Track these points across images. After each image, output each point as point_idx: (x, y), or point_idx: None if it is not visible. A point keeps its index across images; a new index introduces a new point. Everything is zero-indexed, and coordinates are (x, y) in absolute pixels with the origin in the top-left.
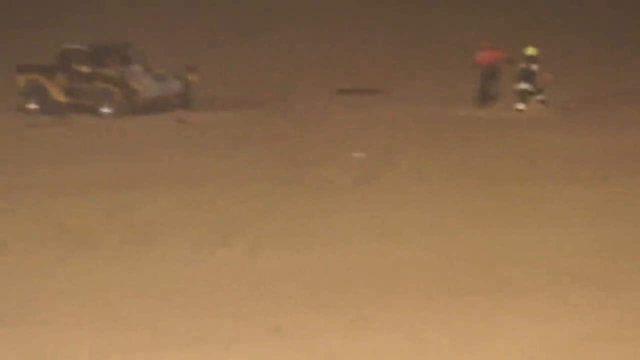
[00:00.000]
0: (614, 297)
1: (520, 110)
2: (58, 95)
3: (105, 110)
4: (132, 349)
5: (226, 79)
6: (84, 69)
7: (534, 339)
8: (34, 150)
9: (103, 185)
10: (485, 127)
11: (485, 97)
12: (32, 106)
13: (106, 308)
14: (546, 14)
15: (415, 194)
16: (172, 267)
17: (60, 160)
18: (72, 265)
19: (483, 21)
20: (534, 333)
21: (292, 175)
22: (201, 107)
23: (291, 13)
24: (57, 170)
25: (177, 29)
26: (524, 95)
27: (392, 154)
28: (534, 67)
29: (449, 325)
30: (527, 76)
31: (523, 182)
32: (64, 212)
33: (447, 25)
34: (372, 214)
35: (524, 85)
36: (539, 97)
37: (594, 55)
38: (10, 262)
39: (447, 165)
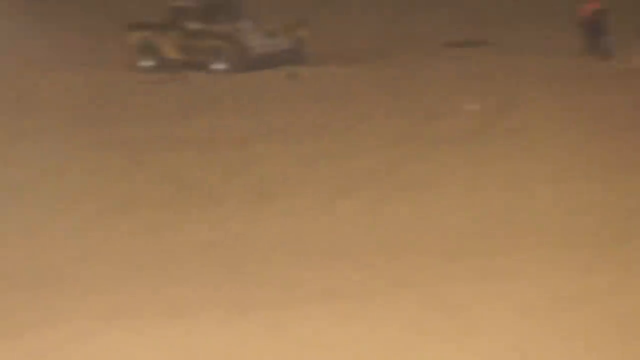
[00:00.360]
0: None
1: None
2: (170, 52)
3: (217, 66)
4: (266, 305)
5: (337, 33)
6: (195, 25)
7: None
8: (148, 106)
9: (220, 141)
10: (594, 78)
11: (592, 49)
12: (145, 63)
13: (235, 262)
14: None
15: (533, 143)
16: (293, 221)
17: (175, 116)
18: (196, 221)
19: None
20: None
21: (408, 130)
22: (312, 62)
23: None
24: (173, 127)
25: None
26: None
27: (505, 106)
28: None
29: (577, 277)
30: None
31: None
32: (183, 169)
33: None
34: (493, 166)
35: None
36: None
37: None
38: (140, 219)
39: (562, 117)
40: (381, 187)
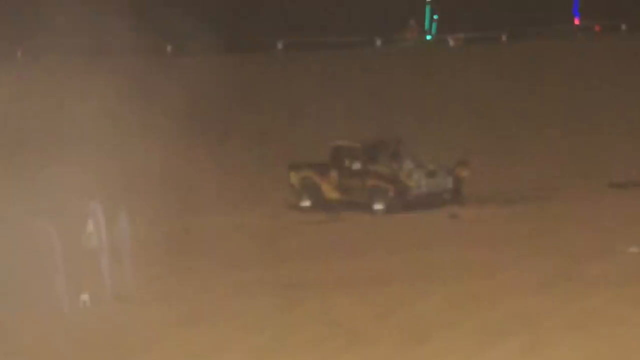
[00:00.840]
0: None
1: None
2: (330, 192)
3: (377, 207)
4: None
5: (498, 171)
6: (356, 165)
7: None
8: (304, 247)
9: (376, 280)
10: None
11: None
12: (305, 203)
13: None
14: None
15: None
16: None
17: (333, 256)
18: None
19: None
20: None
21: (567, 271)
22: (471, 202)
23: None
24: (330, 267)
25: (448, 123)
26: None
27: None
28: None
29: None
30: None
31: None
32: (337, 309)
33: None
34: None
35: None
36: None
37: None
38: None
39: None
40: (534, 331)
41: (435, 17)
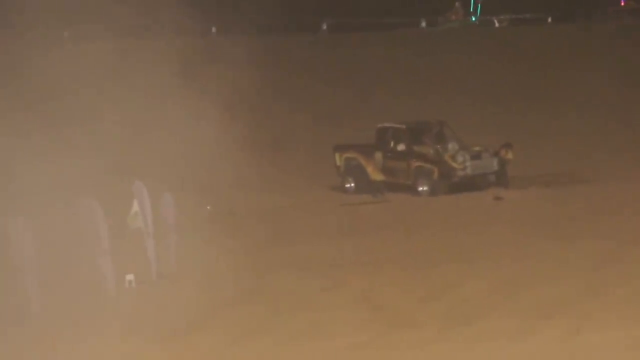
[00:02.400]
0: None
1: None
2: (375, 174)
3: (422, 188)
4: None
5: (540, 155)
6: (401, 147)
7: None
8: (347, 228)
9: (420, 263)
10: None
11: None
12: (350, 185)
13: None
14: None
15: None
16: (490, 346)
17: (377, 238)
18: (392, 346)
19: None
20: None
21: (614, 253)
22: (516, 184)
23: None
24: (375, 248)
25: (493, 105)
26: None
27: None
28: None
29: None
30: None
31: None
32: (381, 291)
33: None
34: None
35: None
36: None
37: None
38: (332, 342)
39: None
40: (580, 314)
41: None
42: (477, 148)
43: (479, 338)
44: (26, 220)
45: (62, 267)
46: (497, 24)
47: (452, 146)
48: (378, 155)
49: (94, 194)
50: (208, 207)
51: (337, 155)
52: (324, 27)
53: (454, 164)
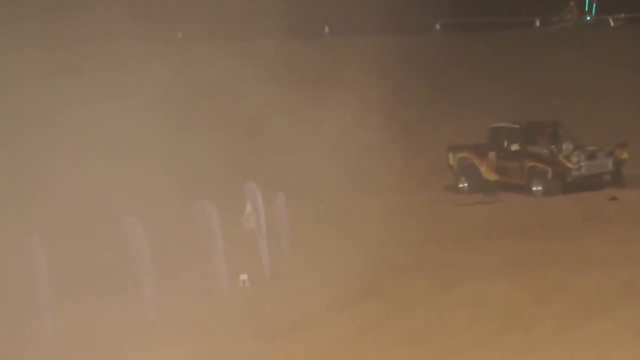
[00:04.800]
0: None
1: None
2: (488, 174)
3: (536, 188)
4: None
5: None
6: (515, 147)
7: None
8: (464, 228)
9: (534, 263)
10: None
11: None
12: (463, 185)
13: None
14: None
15: None
16: (605, 350)
17: (491, 238)
18: (507, 344)
19: None
20: None
21: None
22: (631, 184)
23: None
24: (488, 248)
25: (608, 105)
26: None
27: None
28: None
29: None
30: None
31: None
32: (495, 291)
33: None
34: None
35: None
36: None
37: None
38: (440, 343)
39: None
40: None
41: None
42: (591, 148)
43: (593, 340)
44: (142, 220)
45: (178, 266)
46: (612, 23)
47: (566, 146)
48: (492, 155)
49: (208, 194)
50: (321, 207)
51: (450, 155)
52: (437, 27)
53: (569, 164)
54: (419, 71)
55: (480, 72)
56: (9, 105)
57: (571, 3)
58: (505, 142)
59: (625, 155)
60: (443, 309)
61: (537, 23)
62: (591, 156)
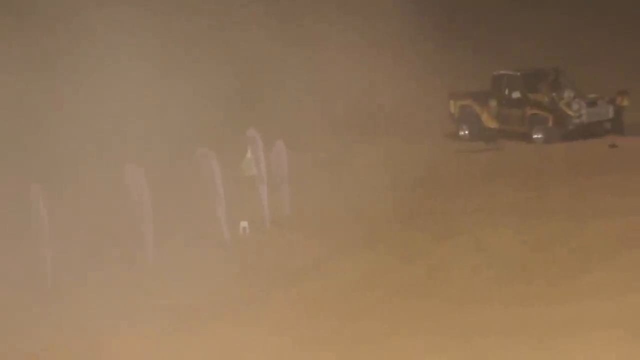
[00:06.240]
0: None
1: None
2: (489, 121)
3: (536, 135)
4: None
5: None
6: (516, 94)
7: None
8: (465, 176)
9: (534, 212)
10: None
11: None
12: (464, 132)
13: (536, 342)
14: None
15: None
16: (603, 298)
17: (491, 186)
18: (507, 294)
19: None
20: None
21: None
22: (632, 131)
23: None
24: (489, 197)
25: (608, 55)
26: None
27: None
28: None
29: None
30: None
31: None
32: (494, 240)
33: None
34: None
35: None
36: None
37: None
38: (440, 290)
39: None
40: None
41: None
42: (592, 95)
43: (592, 290)
44: (142, 168)
45: (178, 213)
46: None
47: (567, 94)
48: (493, 103)
49: (208, 143)
50: (322, 155)
51: (451, 103)
52: None
53: (569, 112)
54: (421, 18)
55: (484, 19)
56: None
57: None
58: (507, 90)
59: (625, 103)
60: (443, 258)
61: None
62: (592, 104)
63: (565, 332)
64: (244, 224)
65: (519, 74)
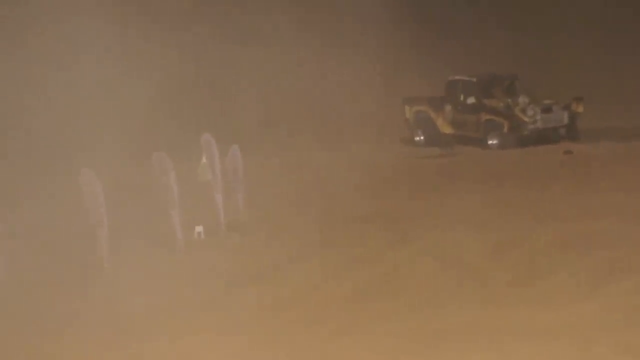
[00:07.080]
0: None
1: None
2: (444, 127)
3: (491, 141)
4: None
5: (613, 108)
6: (471, 100)
7: None
8: (420, 181)
9: (489, 217)
10: None
11: None
12: (419, 137)
13: (499, 345)
14: None
15: None
16: (558, 305)
17: (447, 191)
18: (462, 300)
19: None
20: None
21: None
22: (586, 138)
23: None
24: (444, 201)
25: (563, 59)
26: None
27: None
28: None
29: None
30: None
31: None
32: (450, 245)
33: None
34: None
35: None
36: None
37: None
38: (407, 296)
39: None
40: None
41: None
42: (547, 101)
43: (548, 294)
44: (97, 174)
45: (132, 219)
46: None
47: (522, 99)
48: (448, 108)
49: (164, 147)
50: (278, 160)
51: (406, 108)
52: None
53: (524, 117)
54: (385, 17)
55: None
56: None
57: None
58: (462, 95)
59: (580, 109)
60: (400, 262)
61: None
62: (547, 109)
63: (515, 337)
64: (199, 228)
65: (474, 79)
